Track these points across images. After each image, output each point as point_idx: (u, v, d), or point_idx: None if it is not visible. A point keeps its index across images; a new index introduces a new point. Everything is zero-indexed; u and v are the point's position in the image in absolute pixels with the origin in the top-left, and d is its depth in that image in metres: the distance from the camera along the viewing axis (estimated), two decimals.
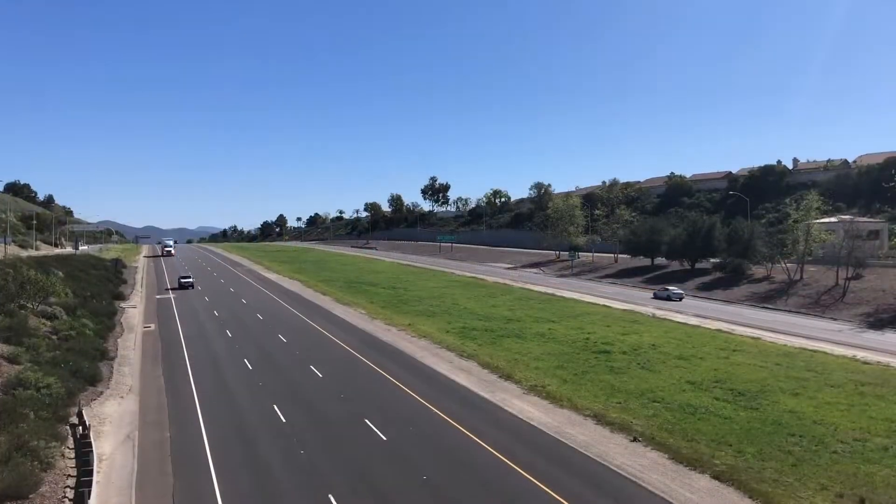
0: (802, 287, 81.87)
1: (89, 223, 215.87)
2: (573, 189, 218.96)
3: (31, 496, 24.43)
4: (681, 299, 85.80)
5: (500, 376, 45.15)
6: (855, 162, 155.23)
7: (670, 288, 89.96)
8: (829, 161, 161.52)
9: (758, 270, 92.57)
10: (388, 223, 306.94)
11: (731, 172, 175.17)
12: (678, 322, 66.85)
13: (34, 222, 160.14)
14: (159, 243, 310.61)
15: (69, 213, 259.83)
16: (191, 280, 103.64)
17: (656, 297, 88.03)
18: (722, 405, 37.58)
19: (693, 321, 67.38)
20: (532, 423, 35.29)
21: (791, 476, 27.51)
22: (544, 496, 25.94)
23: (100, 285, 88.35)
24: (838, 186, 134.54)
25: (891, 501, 25.08)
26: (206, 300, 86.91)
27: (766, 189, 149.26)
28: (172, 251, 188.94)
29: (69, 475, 27.42)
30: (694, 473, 28.21)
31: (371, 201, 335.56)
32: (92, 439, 29.68)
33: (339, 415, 36.62)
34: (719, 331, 61.66)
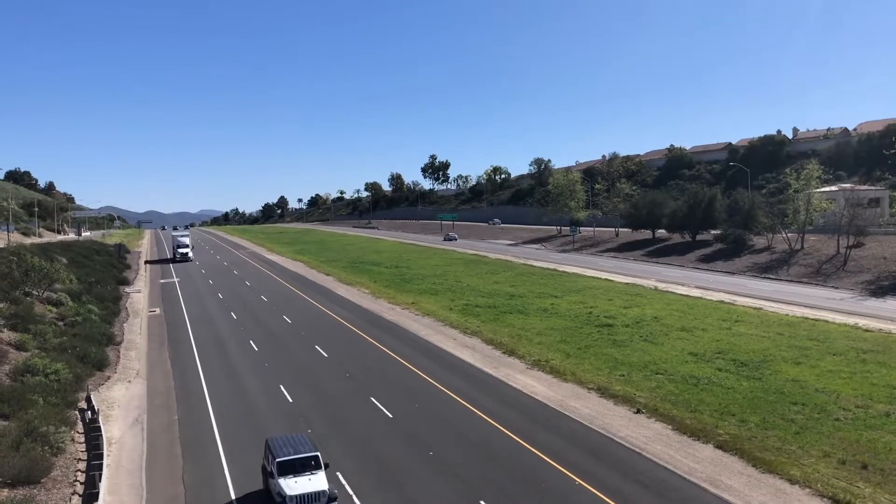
0: (803, 256, 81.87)
1: (91, 209, 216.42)
2: (573, 164, 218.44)
3: (42, 480, 24.73)
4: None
5: (503, 352, 45.42)
6: (855, 130, 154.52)
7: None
8: (828, 130, 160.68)
9: (759, 241, 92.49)
10: (389, 202, 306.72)
11: (730, 143, 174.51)
12: (680, 294, 67.02)
13: (36, 209, 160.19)
14: (163, 228, 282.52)
15: (71, 199, 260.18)
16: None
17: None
18: (724, 376, 37.82)
19: (695, 293, 67.54)
20: (536, 397, 35.57)
21: (794, 444, 27.78)
22: (550, 469, 26.25)
23: (104, 271, 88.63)
24: (838, 155, 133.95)
25: (893, 467, 25.33)
26: (210, 283, 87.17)
27: (766, 159, 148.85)
28: (190, 253, 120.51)
29: (79, 459, 27.74)
30: (698, 443, 28.49)
31: (372, 181, 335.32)
32: (101, 423, 29.95)
33: (345, 393, 36.92)
34: (721, 302, 61.81)
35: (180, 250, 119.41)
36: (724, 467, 26.09)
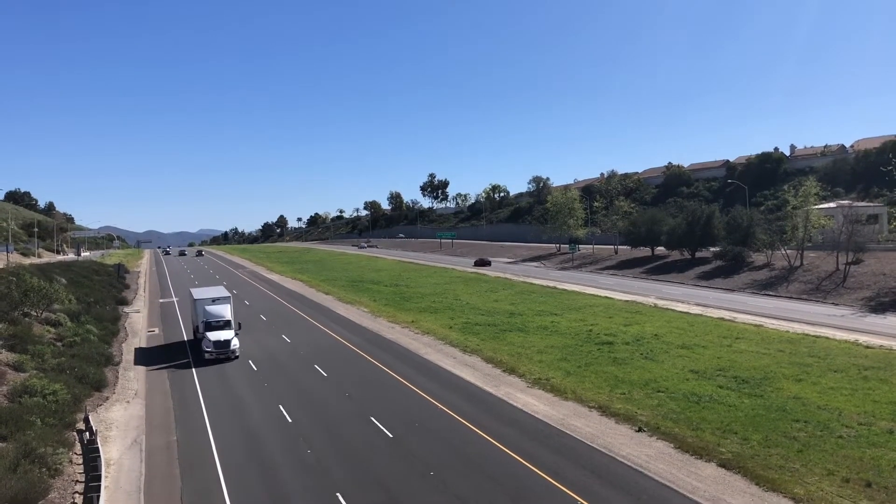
0: (803, 273, 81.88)
1: (90, 229, 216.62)
2: (571, 182, 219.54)
3: (40, 503, 24.55)
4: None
5: (504, 370, 45.25)
6: (852, 147, 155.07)
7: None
8: (826, 146, 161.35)
9: (758, 258, 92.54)
10: (389, 221, 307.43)
11: (728, 161, 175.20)
12: (680, 311, 66.90)
13: (36, 230, 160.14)
14: (166, 253, 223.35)
15: (70, 219, 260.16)
16: None
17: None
18: (726, 393, 37.66)
19: (695, 310, 67.43)
20: (537, 416, 35.39)
21: (797, 462, 27.60)
22: (551, 488, 26.05)
23: (103, 291, 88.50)
24: (836, 172, 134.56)
25: None
26: None
27: (764, 176, 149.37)
28: (235, 342, 52.23)
29: (77, 481, 27.56)
30: (700, 462, 28.31)
31: (371, 200, 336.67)
32: (99, 444, 29.78)
33: (345, 413, 36.73)
34: (721, 319, 61.71)
35: (215, 336, 51.87)
36: (727, 486, 25.91)
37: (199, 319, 54.52)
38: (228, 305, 56.22)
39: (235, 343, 52.15)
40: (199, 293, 60.01)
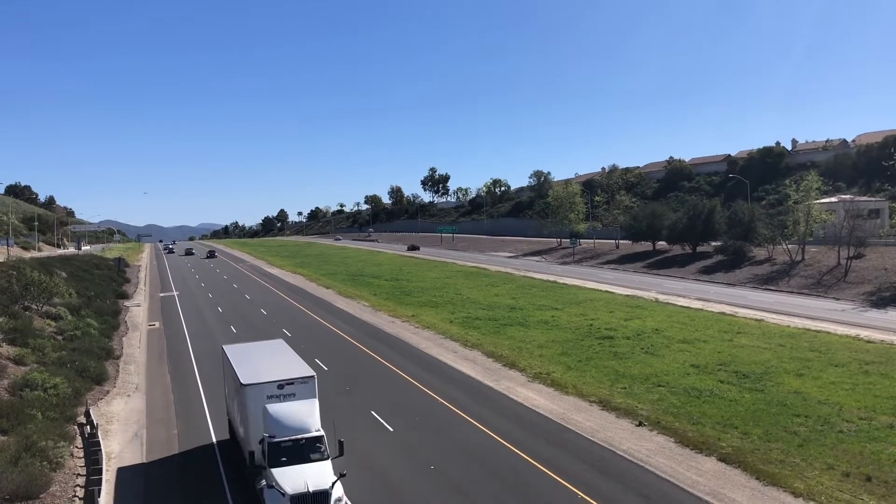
0: (804, 268, 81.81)
1: (91, 223, 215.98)
2: (573, 176, 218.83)
3: (41, 496, 24.54)
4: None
5: (504, 365, 45.25)
6: (854, 141, 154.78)
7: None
8: (827, 141, 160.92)
9: (759, 252, 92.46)
10: (389, 215, 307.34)
11: (730, 155, 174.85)
12: (681, 306, 66.87)
13: (36, 224, 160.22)
14: (169, 250, 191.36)
15: (70, 213, 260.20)
16: None
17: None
18: (727, 388, 37.65)
19: (696, 305, 67.39)
20: (538, 410, 35.39)
21: (797, 456, 27.59)
22: (553, 482, 26.05)
23: (103, 284, 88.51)
24: (837, 166, 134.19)
25: None
26: (209, 297, 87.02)
27: (765, 171, 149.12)
28: (339, 498, 22.21)
29: (78, 474, 27.55)
30: (700, 456, 28.30)
31: (371, 194, 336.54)
32: (100, 438, 29.79)
33: (346, 407, 36.67)
34: (722, 314, 61.67)
35: (294, 484, 21.72)
36: (728, 480, 25.90)
37: (253, 434, 24.60)
38: (314, 400, 26.02)
39: (339, 493, 22.74)
40: (243, 365, 27.95)
